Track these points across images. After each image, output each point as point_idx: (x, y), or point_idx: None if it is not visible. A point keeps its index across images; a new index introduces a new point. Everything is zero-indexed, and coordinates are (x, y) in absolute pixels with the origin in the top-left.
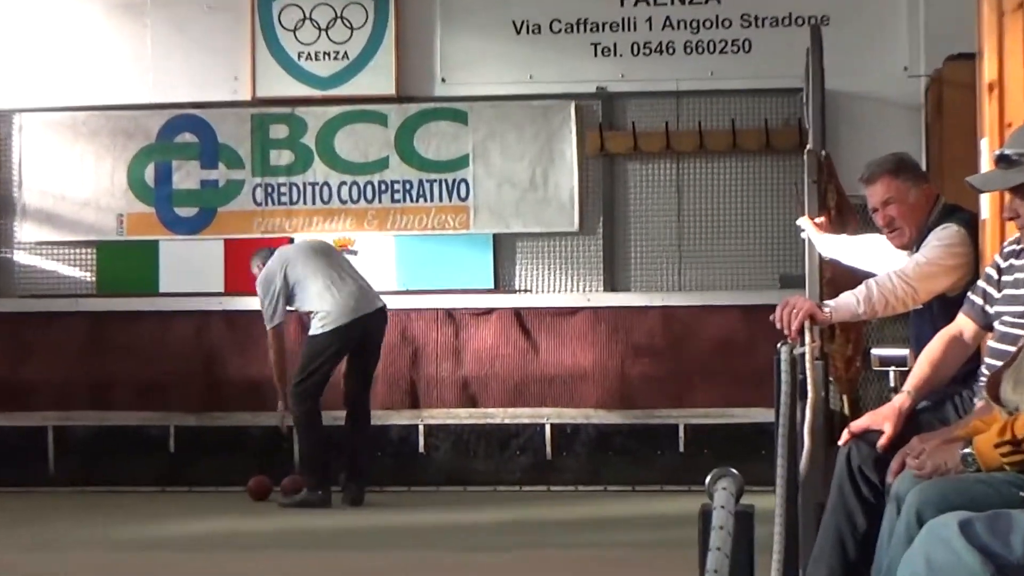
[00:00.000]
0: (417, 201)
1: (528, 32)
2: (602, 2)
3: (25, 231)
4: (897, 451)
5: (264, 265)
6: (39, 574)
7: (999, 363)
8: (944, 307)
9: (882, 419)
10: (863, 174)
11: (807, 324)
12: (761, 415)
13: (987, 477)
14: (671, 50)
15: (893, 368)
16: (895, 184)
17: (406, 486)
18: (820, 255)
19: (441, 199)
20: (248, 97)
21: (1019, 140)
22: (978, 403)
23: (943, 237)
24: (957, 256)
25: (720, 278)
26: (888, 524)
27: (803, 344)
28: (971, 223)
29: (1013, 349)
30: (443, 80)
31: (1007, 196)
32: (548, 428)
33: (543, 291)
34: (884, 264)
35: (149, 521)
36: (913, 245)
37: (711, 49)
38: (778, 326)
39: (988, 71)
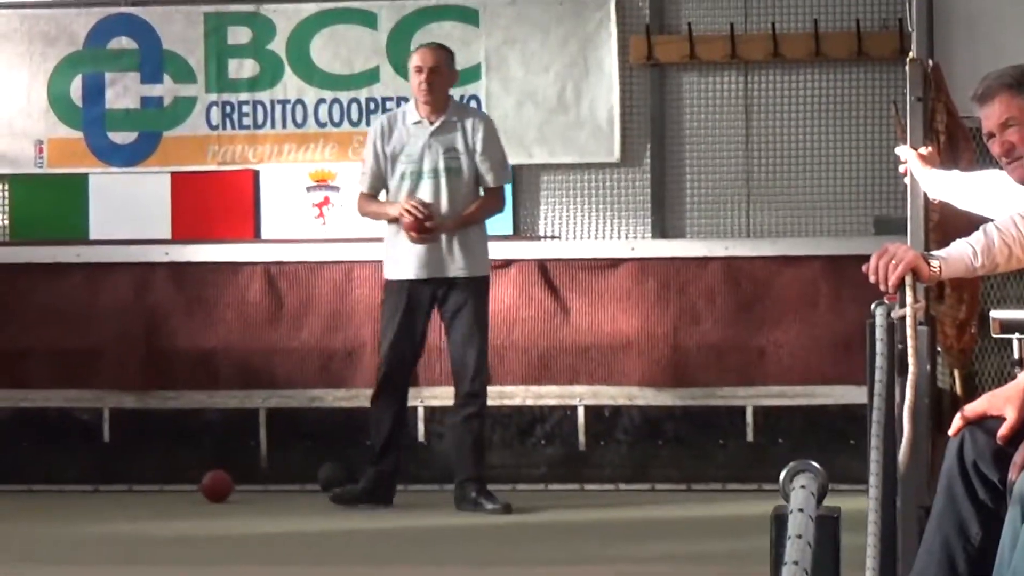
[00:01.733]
0: None
1: None
2: None
3: None
4: (1022, 442)
5: None
6: None
7: None
8: None
9: (1004, 401)
10: (976, 90)
11: (909, 279)
12: (850, 395)
13: None
14: None
15: (1018, 336)
16: (1016, 102)
17: (402, 483)
18: (926, 194)
19: None
20: None
21: None
22: None
23: None
24: None
25: (799, 222)
26: (1010, 533)
27: (904, 305)
28: None
29: None
30: None
31: None
32: (581, 411)
33: (575, 238)
34: (1007, 207)
35: (77, 527)
36: None
37: None
38: (872, 280)
39: None
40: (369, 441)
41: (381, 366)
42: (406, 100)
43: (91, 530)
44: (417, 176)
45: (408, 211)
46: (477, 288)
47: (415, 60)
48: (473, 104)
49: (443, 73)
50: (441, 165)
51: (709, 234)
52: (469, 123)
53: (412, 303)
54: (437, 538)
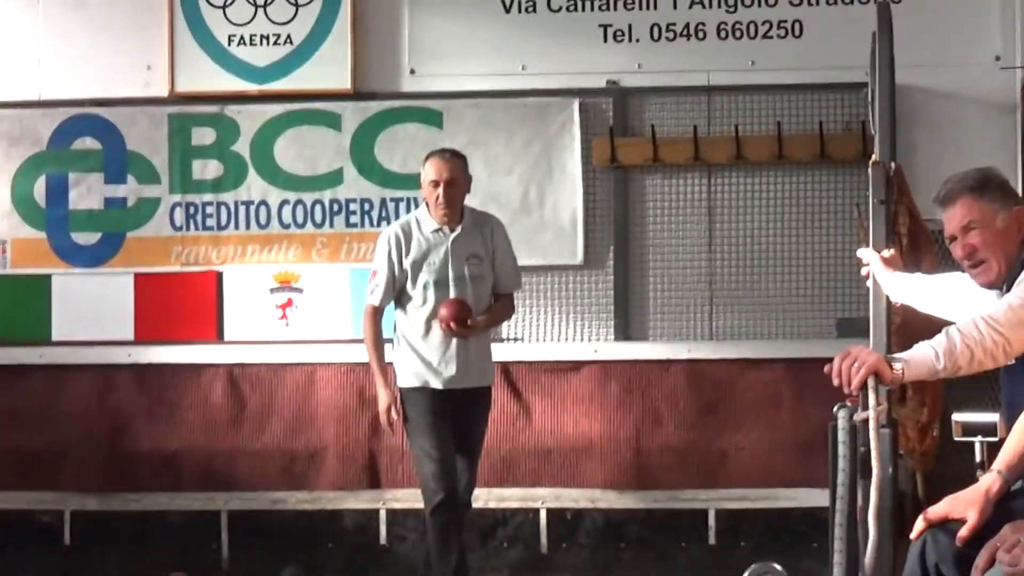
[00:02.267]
0: (379, 225)
1: (520, 11)
2: None
3: None
4: (984, 544)
5: None
6: None
7: None
8: None
9: (965, 505)
10: (939, 192)
11: (871, 382)
12: (813, 497)
13: None
14: (701, 34)
15: (980, 439)
16: (978, 205)
17: None
18: (888, 296)
19: None
20: (165, 93)
21: None
22: None
23: None
24: None
25: (762, 325)
26: None
27: (866, 407)
28: None
29: None
30: (412, 72)
31: None
32: (544, 514)
33: (538, 340)
34: (969, 309)
35: None
36: (1003, 284)
37: (752, 33)
38: (835, 383)
39: None
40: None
41: (437, 491)
42: (369, 201)
43: None
44: (443, 285)
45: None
46: (488, 398)
47: (430, 173)
48: None
49: (459, 184)
50: (466, 272)
51: (672, 336)
52: (488, 230)
53: (442, 411)
54: None
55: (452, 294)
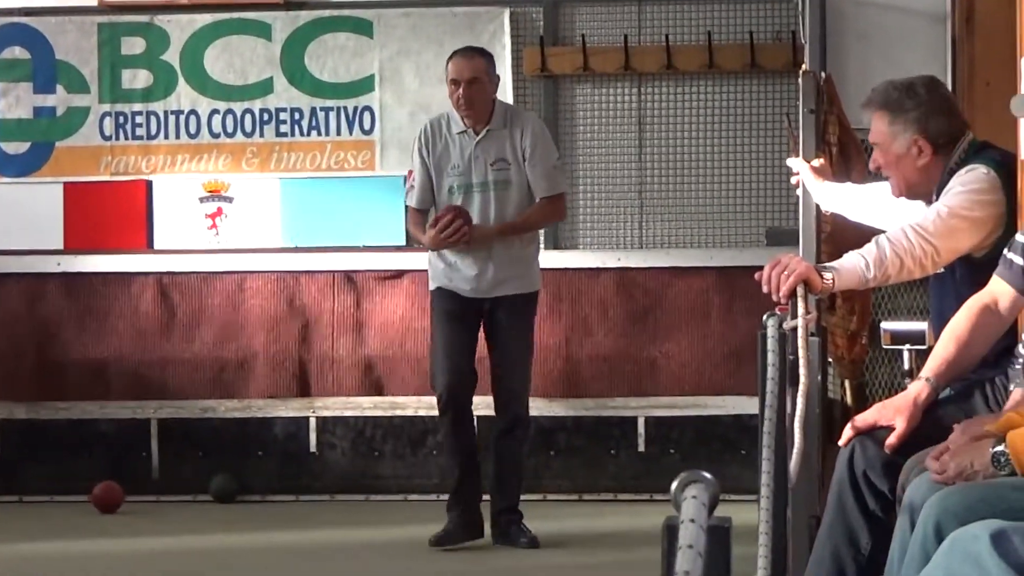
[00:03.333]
0: (309, 135)
1: None
2: None
3: None
4: (911, 452)
5: None
6: None
7: None
8: (970, 272)
9: (894, 412)
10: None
11: (801, 291)
12: (742, 405)
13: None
14: None
15: (908, 347)
16: (881, 125)
17: (294, 495)
18: (818, 205)
19: (339, 132)
20: (94, 2)
21: None
22: (1014, 391)
23: (967, 181)
24: (986, 206)
25: (692, 233)
26: (900, 541)
27: (795, 316)
28: (1004, 164)
29: None
30: None
31: None
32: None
33: None
34: (898, 218)
35: None
36: (931, 194)
37: None
38: (764, 290)
39: None
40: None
41: (439, 387)
42: (299, 111)
43: None
44: (466, 189)
45: (444, 238)
46: (525, 307)
47: (450, 71)
48: (367, 118)
49: (482, 82)
50: (490, 177)
51: (602, 245)
52: (518, 130)
53: (461, 314)
54: (327, 550)
55: (476, 200)
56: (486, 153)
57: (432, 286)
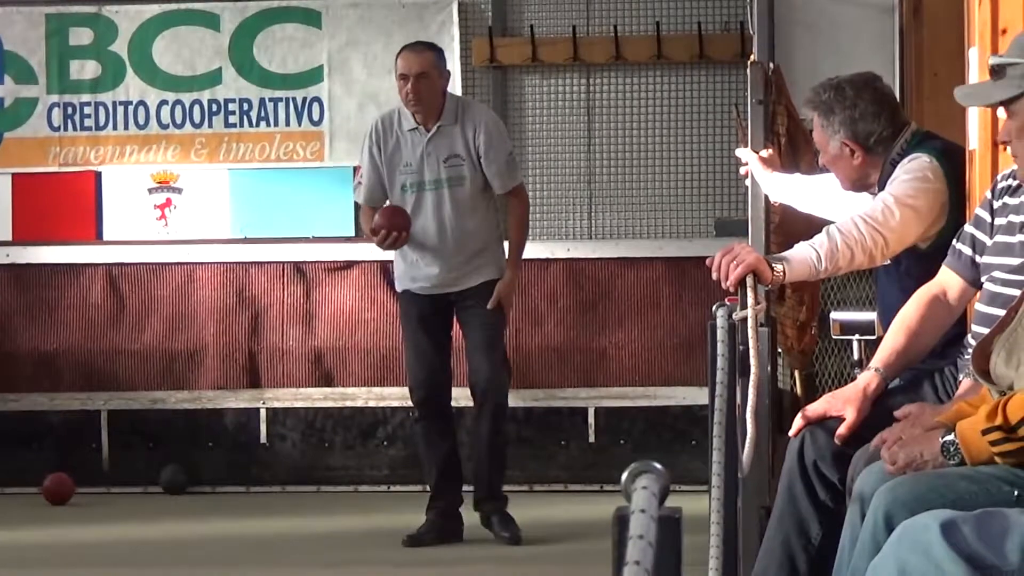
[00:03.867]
0: (257, 125)
1: None
2: None
3: None
4: (862, 443)
5: None
6: None
7: (987, 330)
8: (915, 262)
9: (844, 402)
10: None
11: (750, 281)
12: (692, 396)
13: (973, 472)
14: None
15: (857, 337)
16: (817, 127)
17: (244, 486)
18: (767, 196)
19: (288, 123)
20: None
21: (1018, 48)
22: (963, 381)
23: (911, 169)
24: (929, 194)
25: (641, 224)
26: (850, 531)
27: (745, 306)
28: (947, 153)
29: (1003, 313)
30: None
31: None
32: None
33: None
34: (848, 209)
35: None
36: (875, 186)
37: None
38: (714, 276)
39: None
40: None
41: (412, 392)
42: (248, 102)
43: None
44: (419, 187)
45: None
46: (488, 294)
47: (399, 66)
48: (316, 109)
49: (431, 77)
50: (444, 175)
51: (551, 235)
52: (470, 125)
53: (429, 314)
54: (278, 541)
55: (429, 199)
56: (438, 150)
57: (399, 288)
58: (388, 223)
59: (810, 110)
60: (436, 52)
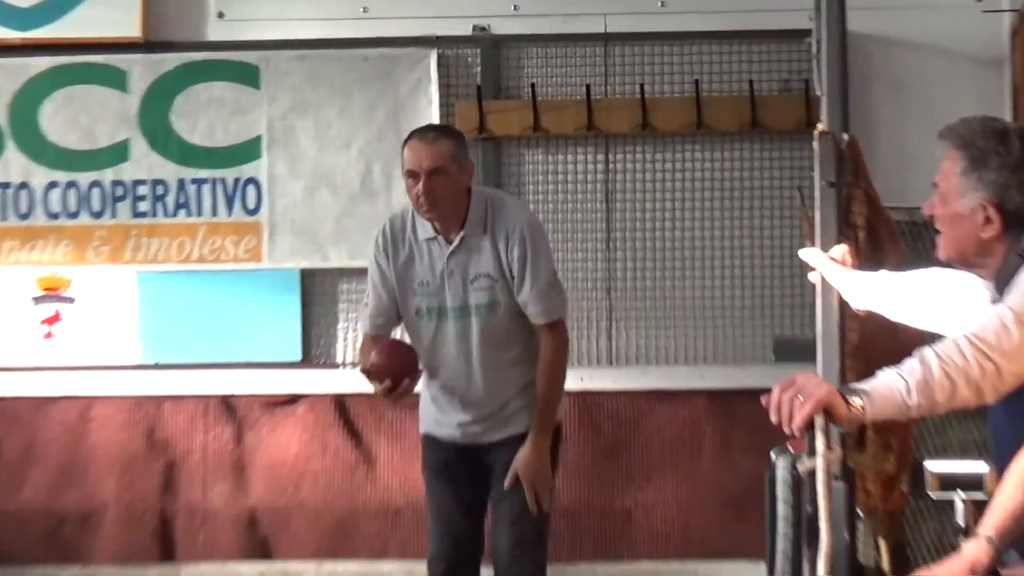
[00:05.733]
0: (176, 215)
1: None
2: None
3: None
4: None
5: None
6: None
7: None
8: None
9: None
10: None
11: (820, 421)
12: (743, 573)
13: None
14: None
15: (961, 494)
16: (952, 171)
17: None
18: (842, 307)
19: (216, 212)
20: None
21: None
22: None
23: None
24: None
25: (675, 345)
26: None
27: (813, 454)
28: None
29: None
30: (220, 15)
31: None
32: None
33: None
34: (954, 315)
35: None
36: (985, 269)
37: None
38: (774, 419)
39: None
40: None
41: (429, 555)
42: (163, 184)
43: None
44: (439, 314)
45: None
46: (518, 448)
47: (405, 160)
48: (252, 193)
49: (449, 173)
50: (472, 300)
51: None
52: (502, 234)
53: (454, 464)
54: None
55: (452, 329)
56: (462, 268)
57: (421, 429)
58: (387, 364)
59: (951, 145)
60: (454, 139)
